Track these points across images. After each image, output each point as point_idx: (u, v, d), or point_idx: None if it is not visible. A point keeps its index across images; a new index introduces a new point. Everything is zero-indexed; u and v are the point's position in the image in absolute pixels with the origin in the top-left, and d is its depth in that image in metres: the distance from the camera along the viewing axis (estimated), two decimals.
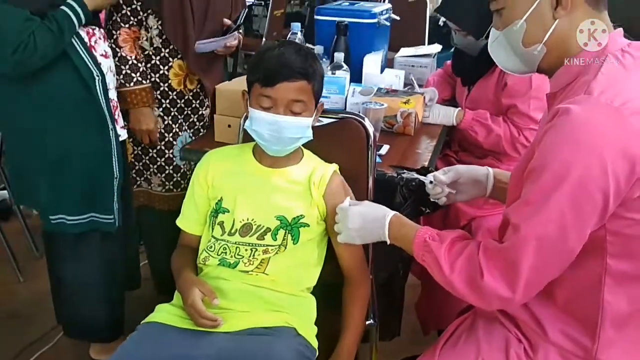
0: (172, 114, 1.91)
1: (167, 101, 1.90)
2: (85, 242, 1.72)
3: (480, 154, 1.95)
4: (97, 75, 1.59)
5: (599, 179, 0.86)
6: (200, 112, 1.98)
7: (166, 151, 1.93)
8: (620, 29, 1.00)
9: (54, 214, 1.65)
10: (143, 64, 1.81)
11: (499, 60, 1.10)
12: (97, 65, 1.59)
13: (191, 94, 1.94)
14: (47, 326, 2.04)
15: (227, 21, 1.94)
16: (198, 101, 1.96)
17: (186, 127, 1.95)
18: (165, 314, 1.21)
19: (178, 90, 1.90)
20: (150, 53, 1.83)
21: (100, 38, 1.66)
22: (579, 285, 0.99)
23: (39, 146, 1.59)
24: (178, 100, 1.91)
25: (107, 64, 1.67)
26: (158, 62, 1.84)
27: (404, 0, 4.10)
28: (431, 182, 1.27)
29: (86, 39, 1.58)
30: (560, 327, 1.02)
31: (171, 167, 1.95)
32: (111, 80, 1.69)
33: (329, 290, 1.35)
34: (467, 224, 1.86)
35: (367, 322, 1.43)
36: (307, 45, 1.97)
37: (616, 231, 0.92)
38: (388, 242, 1.15)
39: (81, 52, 1.56)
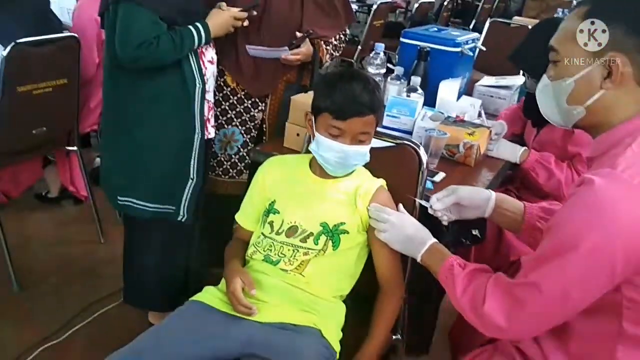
0: (223, 107, 2.03)
1: (221, 95, 2.01)
2: (154, 225, 1.87)
3: (541, 195, 1.95)
4: (199, 84, 1.75)
5: (608, 249, 0.91)
6: (252, 113, 2.06)
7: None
8: None
9: (123, 195, 1.82)
10: None
11: (541, 105, 1.15)
12: (202, 74, 1.76)
13: (243, 93, 2.03)
14: (117, 286, 2.21)
15: (298, 34, 1.97)
16: (250, 102, 2.05)
17: (237, 123, 2.05)
18: (210, 295, 1.36)
19: (232, 87, 2.01)
20: (212, 45, 1.89)
21: (210, 45, 1.82)
22: (593, 342, 1.03)
23: (131, 132, 1.76)
24: (231, 96, 2.02)
25: (212, 70, 1.84)
26: (217, 57, 1.91)
27: (506, 26, 4.08)
28: (428, 208, 1.35)
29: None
30: None
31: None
32: (212, 84, 1.86)
33: (362, 302, 1.43)
34: (517, 260, 1.88)
35: (394, 337, 1.52)
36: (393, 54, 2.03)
37: (632, 298, 0.96)
38: (418, 260, 1.25)
39: (191, 61, 1.73)
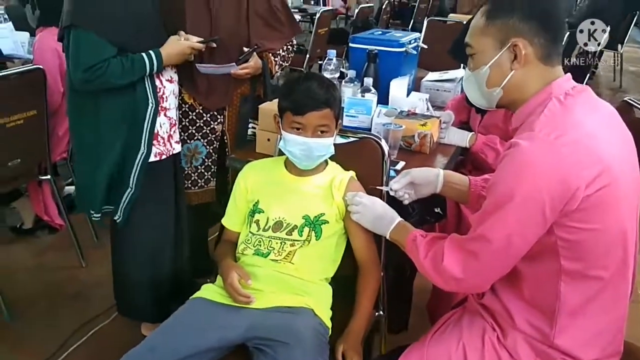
0: (183, 123, 2.14)
1: (180, 112, 2.11)
2: (136, 235, 1.99)
3: (491, 173, 2.16)
4: (152, 103, 1.86)
5: (536, 197, 1.10)
6: (211, 126, 2.18)
7: None
8: (569, 75, 1.23)
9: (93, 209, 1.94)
10: None
11: (467, 93, 1.35)
12: (155, 93, 1.87)
13: (201, 108, 2.15)
14: (105, 306, 2.33)
15: (245, 49, 2.08)
16: (209, 115, 2.17)
17: (199, 137, 2.17)
18: (209, 291, 1.50)
19: (189, 104, 2.13)
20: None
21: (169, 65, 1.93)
22: (540, 282, 1.21)
23: (89, 149, 1.88)
24: (190, 112, 2.14)
25: (171, 88, 1.96)
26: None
27: (443, 24, 4.33)
28: (389, 190, 1.53)
29: None
30: (525, 317, 1.24)
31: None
32: (172, 101, 1.98)
33: (345, 283, 1.59)
34: None
35: (377, 313, 1.68)
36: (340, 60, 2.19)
37: (564, 237, 1.14)
38: (387, 237, 1.43)
39: (145, 81, 1.84)
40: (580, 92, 1.21)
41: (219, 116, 2.19)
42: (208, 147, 2.21)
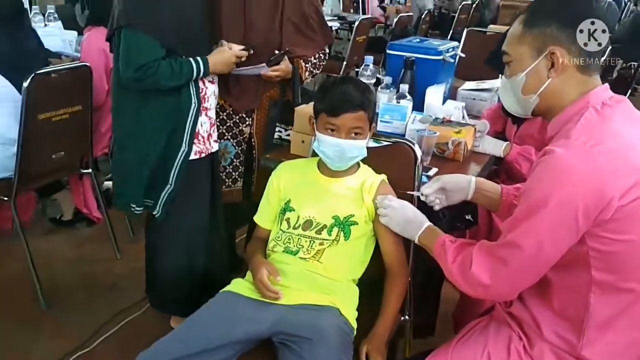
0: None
1: None
2: (171, 230, 2.05)
3: (523, 182, 2.14)
4: (195, 104, 1.92)
5: (570, 204, 1.09)
6: (240, 128, 2.23)
7: None
8: (607, 85, 1.22)
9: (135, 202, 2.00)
10: None
11: (503, 100, 1.35)
12: (199, 94, 1.94)
13: (231, 109, 2.20)
14: (138, 298, 2.40)
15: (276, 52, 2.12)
16: (238, 117, 2.21)
17: (229, 137, 2.22)
18: (239, 285, 1.53)
19: (220, 104, 2.16)
20: None
21: None
22: (570, 292, 1.20)
23: (130, 145, 1.96)
24: (220, 113, 2.18)
25: (212, 89, 2.02)
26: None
27: (482, 34, 4.31)
28: (420, 195, 1.54)
29: None
30: (553, 327, 1.23)
31: None
32: (213, 102, 2.04)
33: (372, 286, 1.60)
34: None
35: (402, 318, 1.69)
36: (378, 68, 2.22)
37: (596, 248, 1.13)
38: (416, 241, 1.43)
39: (190, 82, 1.90)
40: (618, 102, 1.20)
41: (247, 119, 2.23)
42: (237, 147, 2.26)
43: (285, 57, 2.14)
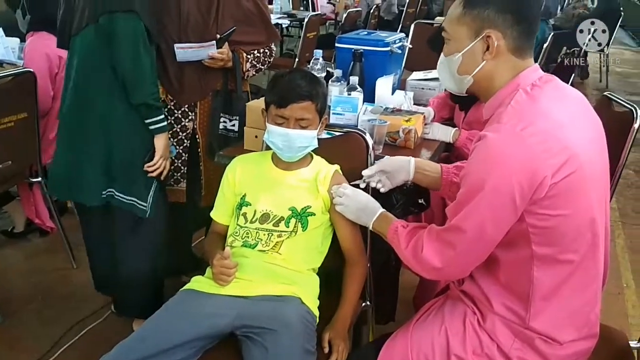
0: None
1: None
2: (145, 233, 2.04)
3: (463, 161, 2.21)
4: None
5: (505, 187, 1.14)
6: (183, 123, 2.18)
7: None
8: (537, 65, 1.27)
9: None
10: None
11: (440, 77, 1.40)
12: None
13: (173, 103, 2.16)
14: (97, 306, 2.36)
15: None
16: (180, 112, 2.18)
17: (169, 136, 2.10)
18: (199, 283, 1.53)
19: (161, 99, 2.07)
20: None
21: None
22: (514, 267, 1.25)
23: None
24: None
25: None
26: None
27: (430, 27, 4.39)
28: (363, 181, 1.58)
29: None
30: (502, 301, 1.28)
31: None
32: None
33: (332, 275, 1.63)
34: None
35: (364, 304, 1.72)
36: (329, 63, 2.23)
37: (534, 224, 1.18)
38: (370, 228, 1.47)
39: None
40: (546, 81, 1.24)
41: (190, 113, 2.19)
42: (178, 146, 2.21)
43: (227, 44, 2.10)
